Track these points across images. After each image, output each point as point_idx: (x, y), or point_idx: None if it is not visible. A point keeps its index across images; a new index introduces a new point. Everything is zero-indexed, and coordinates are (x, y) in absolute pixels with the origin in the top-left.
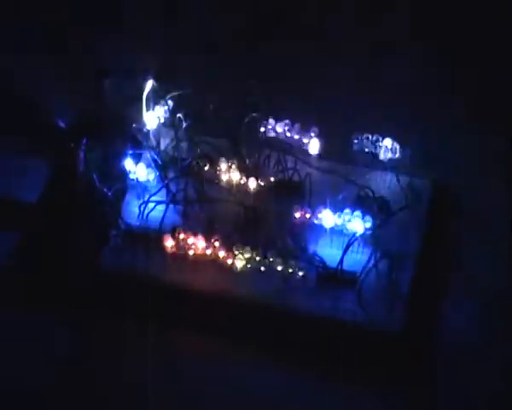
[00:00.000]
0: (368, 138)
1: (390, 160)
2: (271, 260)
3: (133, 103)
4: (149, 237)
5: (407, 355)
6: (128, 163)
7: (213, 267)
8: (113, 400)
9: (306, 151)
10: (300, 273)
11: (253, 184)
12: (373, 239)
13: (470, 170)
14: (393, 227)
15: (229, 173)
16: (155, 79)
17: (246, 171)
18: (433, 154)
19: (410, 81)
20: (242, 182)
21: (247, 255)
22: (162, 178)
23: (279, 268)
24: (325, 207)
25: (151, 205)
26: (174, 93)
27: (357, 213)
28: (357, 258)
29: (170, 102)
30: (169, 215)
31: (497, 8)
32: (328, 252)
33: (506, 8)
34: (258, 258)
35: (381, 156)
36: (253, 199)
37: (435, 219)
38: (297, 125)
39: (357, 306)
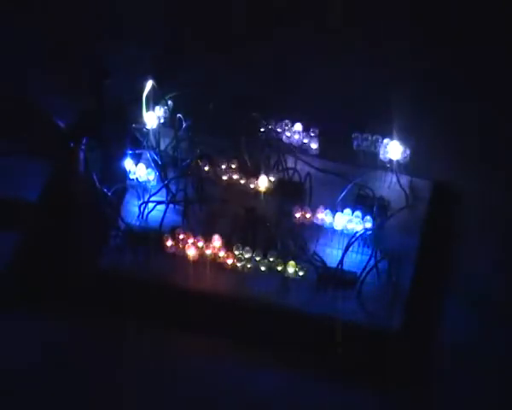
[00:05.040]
0: (368, 138)
1: (390, 160)
2: (271, 260)
3: (133, 103)
4: (149, 237)
5: (407, 355)
6: (128, 163)
7: (213, 267)
8: (113, 400)
9: (306, 151)
10: (300, 273)
11: (253, 184)
12: (373, 239)
13: (470, 170)
14: (393, 227)
15: (229, 173)
16: (155, 79)
17: (246, 171)
18: (433, 154)
19: (410, 81)
20: (242, 182)
21: (247, 255)
22: (162, 178)
23: (279, 268)
24: (325, 208)
25: (151, 205)
26: (174, 93)
27: (357, 213)
28: (357, 258)
29: (170, 102)
30: (169, 215)
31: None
32: (328, 252)
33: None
34: (258, 258)
35: (381, 156)
36: (252, 199)
37: (435, 219)
38: (297, 125)
39: (357, 306)
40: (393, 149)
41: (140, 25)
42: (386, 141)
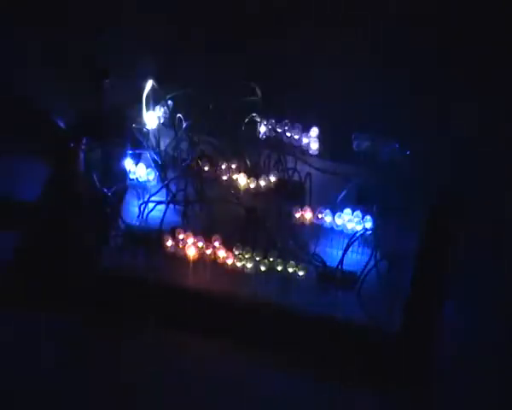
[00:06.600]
0: (368, 138)
1: (390, 160)
2: (271, 260)
3: (133, 103)
4: (149, 237)
5: (407, 355)
6: (128, 163)
7: (213, 267)
8: (113, 400)
9: (306, 151)
10: (300, 273)
11: (252, 184)
12: (373, 239)
13: (470, 170)
14: (393, 227)
15: (230, 173)
16: (155, 79)
17: (246, 171)
18: (433, 154)
19: (410, 81)
20: (243, 182)
21: (247, 255)
22: (162, 178)
23: (279, 268)
24: (325, 208)
25: (151, 205)
26: (174, 93)
27: (357, 213)
28: (357, 258)
29: (170, 102)
30: (169, 215)
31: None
32: (328, 252)
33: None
34: (258, 258)
35: (381, 156)
36: (252, 199)
37: (435, 219)
38: (297, 125)
39: (357, 306)
40: (393, 150)
41: (140, 24)
42: (387, 141)
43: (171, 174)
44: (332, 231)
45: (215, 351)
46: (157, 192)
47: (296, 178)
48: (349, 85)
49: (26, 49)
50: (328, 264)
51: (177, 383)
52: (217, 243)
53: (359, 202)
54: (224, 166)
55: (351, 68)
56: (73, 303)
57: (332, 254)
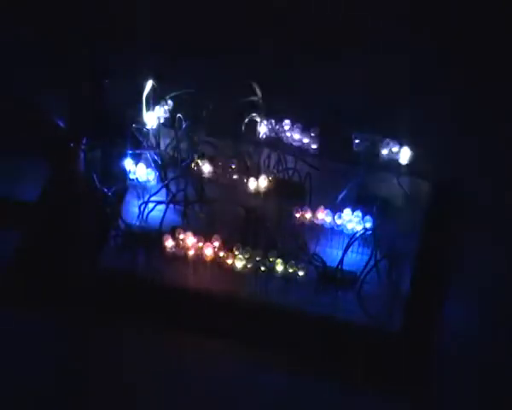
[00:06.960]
0: (368, 138)
1: (390, 160)
2: (271, 260)
3: (133, 103)
4: (149, 237)
5: (407, 355)
6: (128, 163)
7: (213, 267)
8: (113, 400)
9: (306, 151)
10: (300, 273)
11: (253, 184)
12: (373, 239)
13: (470, 170)
14: (393, 227)
15: (229, 173)
16: (155, 79)
17: (246, 171)
18: (433, 154)
19: (410, 80)
20: (242, 182)
21: (247, 255)
22: (162, 178)
23: (279, 268)
24: (325, 208)
25: (151, 205)
26: (174, 93)
27: (357, 213)
28: (357, 258)
29: (170, 102)
30: (169, 215)
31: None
32: (328, 252)
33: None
34: (258, 258)
35: (381, 156)
36: (253, 199)
37: (435, 219)
38: (297, 125)
39: (357, 306)
40: (400, 153)
41: (140, 25)
42: (387, 141)
43: (171, 174)
44: (332, 231)
45: (215, 351)
46: (157, 192)
47: (296, 178)
48: (349, 85)
49: (26, 49)
50: (328, 264)
51: (177, 383)
52: (217, 243)
53: (359, 202)
54: (223, 166)
55: (351, 68)
56: (73, 303)
57: (332, 254)
